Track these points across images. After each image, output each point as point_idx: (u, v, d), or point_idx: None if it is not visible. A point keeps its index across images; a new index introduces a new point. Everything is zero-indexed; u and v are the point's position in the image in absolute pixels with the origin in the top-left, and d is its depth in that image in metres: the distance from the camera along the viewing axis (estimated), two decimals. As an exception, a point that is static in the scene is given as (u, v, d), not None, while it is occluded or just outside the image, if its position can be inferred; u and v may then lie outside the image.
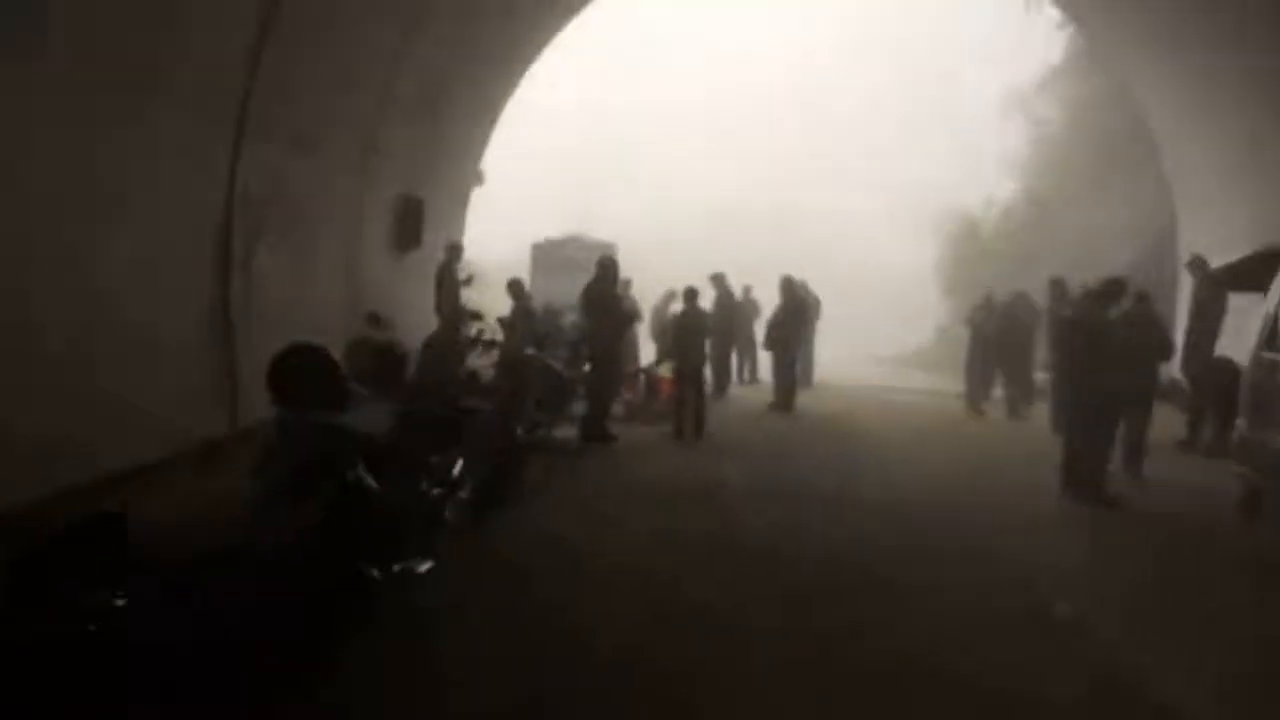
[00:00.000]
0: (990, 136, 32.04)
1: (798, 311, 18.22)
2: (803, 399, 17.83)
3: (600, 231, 27.59)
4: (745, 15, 49.77)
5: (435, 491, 7.31)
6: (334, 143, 12.82)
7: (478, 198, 22.92)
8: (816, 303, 21.28)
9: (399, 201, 15.46)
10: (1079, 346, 11.03)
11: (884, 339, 33.25)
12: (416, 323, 15.00)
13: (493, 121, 19.46)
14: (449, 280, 15.72)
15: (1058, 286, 16.16)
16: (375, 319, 12.00)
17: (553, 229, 27.33)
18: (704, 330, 14.85)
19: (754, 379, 21.11)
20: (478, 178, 23.09)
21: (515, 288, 15.26)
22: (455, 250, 16.11)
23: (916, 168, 39.67)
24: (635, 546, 8.45)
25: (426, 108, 15.31)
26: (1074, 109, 29.44)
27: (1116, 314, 11.40)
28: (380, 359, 7.82)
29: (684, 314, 14.72)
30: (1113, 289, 11.32)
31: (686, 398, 14.37)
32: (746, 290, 21.73)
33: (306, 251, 12.39)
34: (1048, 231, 28.39)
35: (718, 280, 19.46)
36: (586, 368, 13.89)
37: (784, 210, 43.28)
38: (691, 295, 14.99)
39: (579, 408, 13.78)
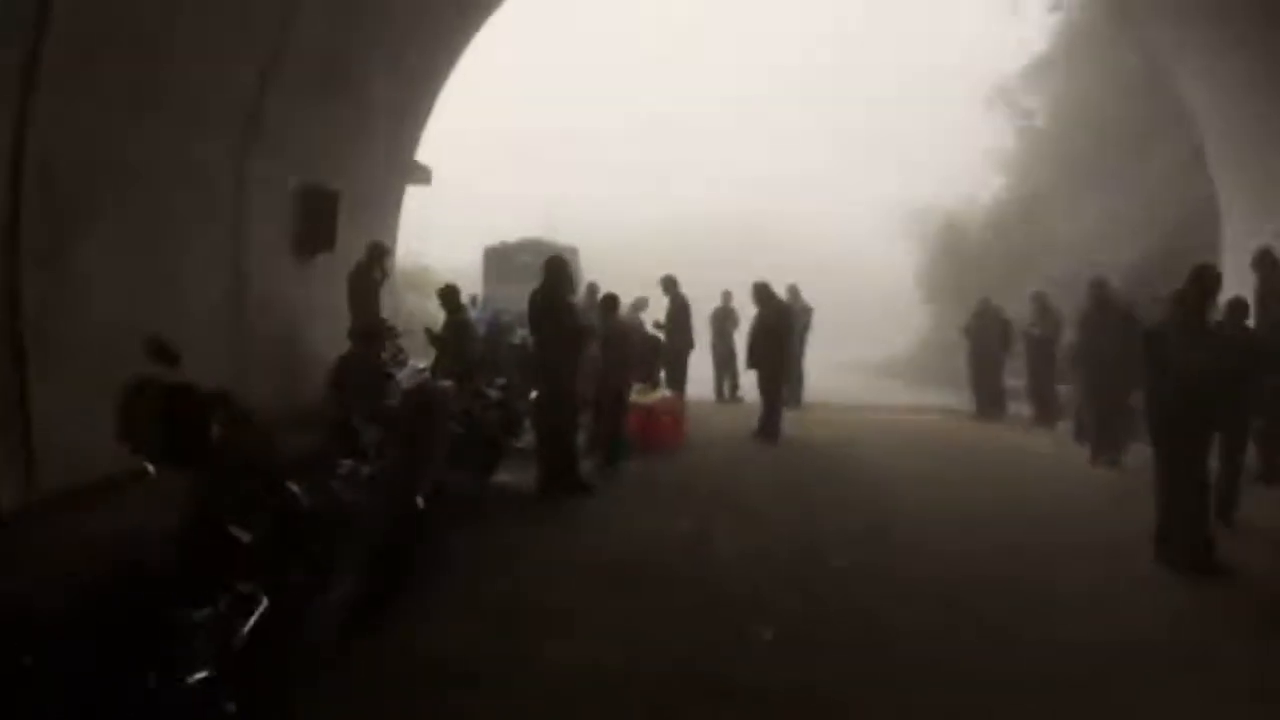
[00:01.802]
0: (973, 131, 29.13)
1: (778, 322, 14.58)
2: (791, 423, 14.79)
3: (565, 235, 24.50)
4: (722, 10, 47.00)
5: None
6: (199, 108, 9.65)
7: (426, 198, 19.86)
8: (806, 312, 18.22)
9: (304, 193, 12.27)
10: (1170, 364, 7.93)
11: (865, 348, 30.31)
12: (327, 344, 11.87)
13: (428, 109, 16.24)
14: (362, 286, 12.47)
15: (1099, 288, 13.09)
16: (160, 349, 7.68)
17: (515, 233, 24.20)
18: (626, 347, 11.89)
19: (735, 396, 18.04)
20: (419, 173, 20.01)
21: (447, 296, 11.92)
22: (377, 251, 12.81)
23: (895, 165, 36.84)
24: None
25: (331, 85, 12.15)
26: (1063, 99, 26.69)
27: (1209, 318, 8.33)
28: (168, 413, 4.58)
29: (606, 328, 11.70)
30: (1209, 280, 8.17)
31: (603, 426, 11.59)
32: (726, 297, 18.62)
33: (162, 249, 9.22)
34: (1039, 231, 25.52)
35: (668, 284, 16.48)
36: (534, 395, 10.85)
37: (758, 214, 40.31)
38: (609, 304, 11.97)
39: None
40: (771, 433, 13.57)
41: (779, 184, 41.49)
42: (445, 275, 27.88)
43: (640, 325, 15.21)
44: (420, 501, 6.56)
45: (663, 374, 15.61)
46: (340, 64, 12.27)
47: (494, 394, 10.39)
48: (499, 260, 21.16)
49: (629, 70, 45.71)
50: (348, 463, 5.71)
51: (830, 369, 22.74)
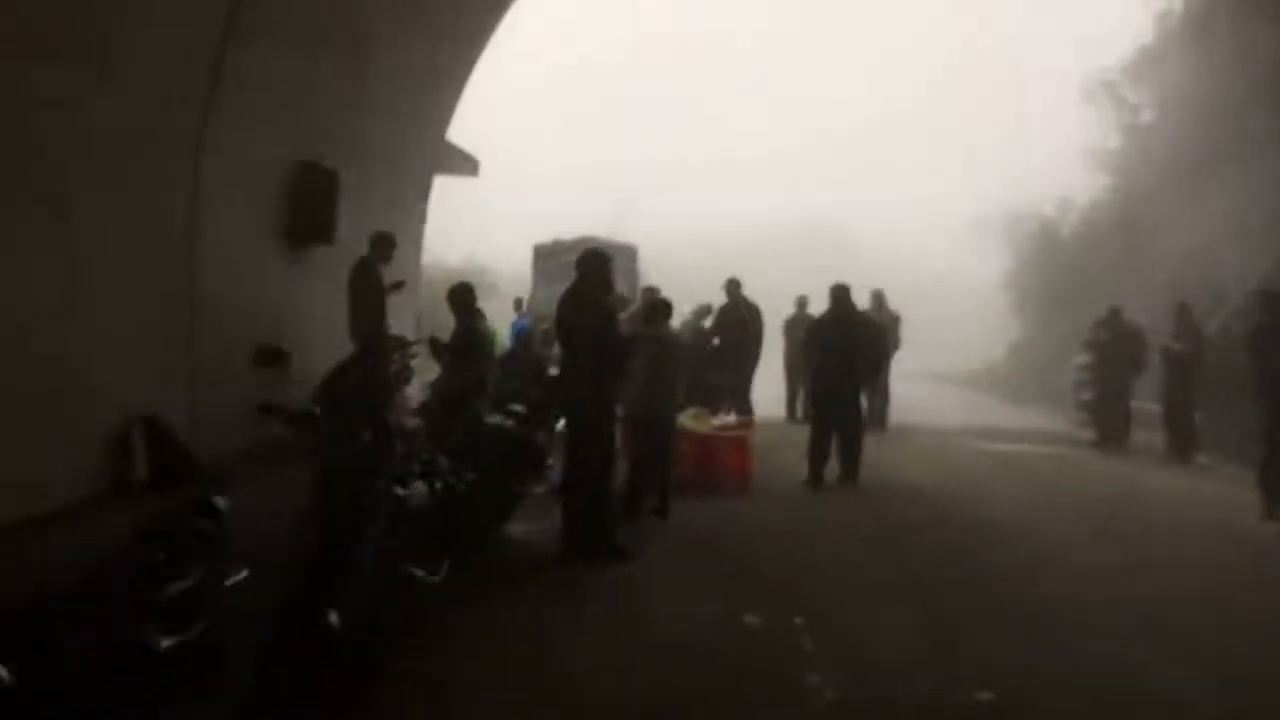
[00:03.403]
0: (1070, 129, 25.91)
1: (853, 331, 10.88)
2: (878, 453, 11.99)
3: (634, 234, 21.85)
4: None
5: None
6: (134, 58, 7.18)
7: (485, 189, 17.49)
8: (895, 322, 15.34)
9: (295, 172, 9.80)
10: None
11: (949, 359, 27.29)
12: (324, 352, 9.42)
13: (461, 81, 13.68)
14: (363, 285, 9.91)
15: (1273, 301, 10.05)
16: (273, 354, 5.78)
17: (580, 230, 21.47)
18: (671, 361, 9.00)
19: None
20: (462, 163, 17.60)
21: (459, 298, 9.23)
22: (382, 243, 10.21)
23: (985, 165, 33.59)
24: None
25: (328, 41, 9.67)
26: (1174, 91, 23.42)
27: None
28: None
29: (645, 338, 8.88)
30: None
31: (643, 464, 8.72)
32: (801, 304, 15.81)
33: (79, 230, 6.76)
34: (1145, 235, 22.34)
35: (732, 287, 13.67)
36: (560, 425, 8.23)
37: (835, 219, 37.24)
38: (657, 311, 9.28)
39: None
40: (850, 469, 10.57)
41: (862, 184, 38.46)
42: (505, 276, 25.53)
43: (704, 336, 12.54)
44: (333, 619, 3.94)
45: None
46: (341, 16, 9.78)
47: (504, 424, 7.75)
48: (548, 259, 18.46)
49: (718, 68, 43.01)
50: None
51: (913, 381, 19.82)
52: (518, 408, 8.22)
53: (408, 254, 12.63)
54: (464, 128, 15.96)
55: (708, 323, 12.98)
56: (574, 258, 18.33)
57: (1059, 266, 24.97)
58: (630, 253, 18.97)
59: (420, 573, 4.65)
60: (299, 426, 4.57)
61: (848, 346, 10.40)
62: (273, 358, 4.85)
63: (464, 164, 18.46)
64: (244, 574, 3.73)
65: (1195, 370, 12.85)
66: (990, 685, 5.02)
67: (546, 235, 19.82)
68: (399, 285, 10.35)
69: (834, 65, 42.40)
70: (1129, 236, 22.75)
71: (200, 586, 3.44)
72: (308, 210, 9.93)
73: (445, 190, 19.64)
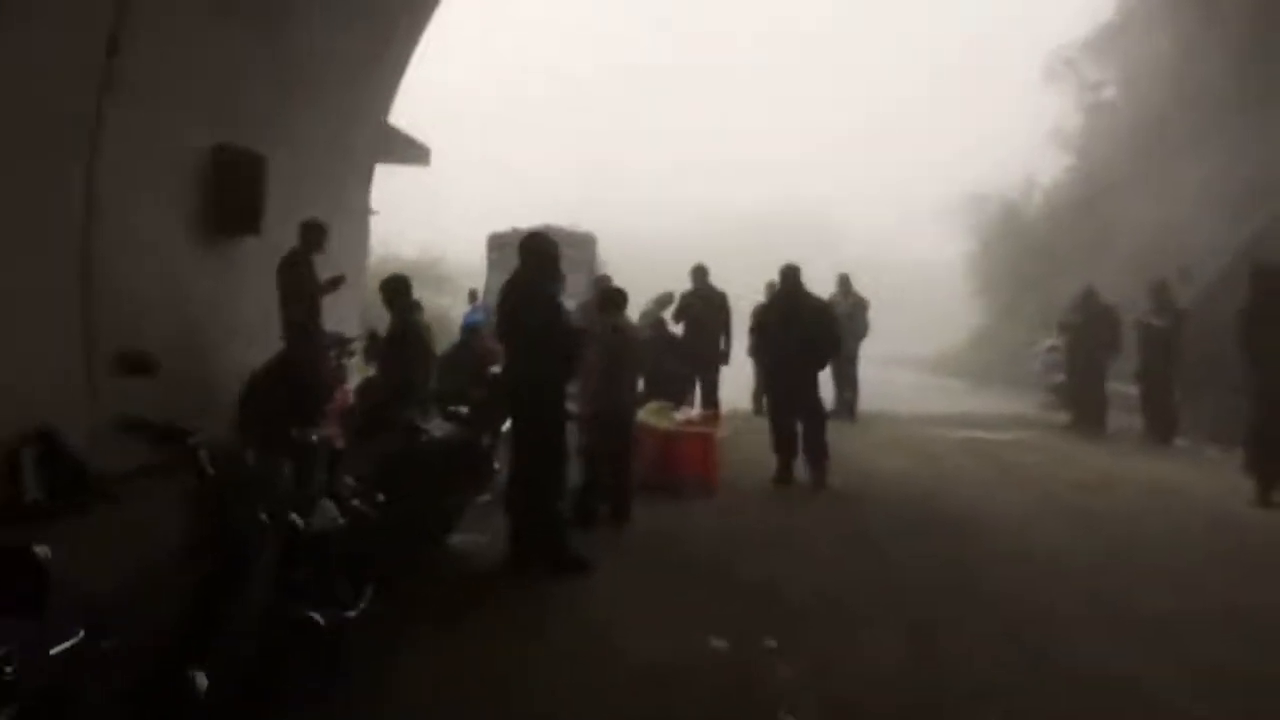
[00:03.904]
0: (1032, 108, 25.29)
1: (803, 313, 9.80)
2: (851, 444, 11.30)
3: (590, 223, 20.98)
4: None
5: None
6: (13, 24, 6.29)
7: (432, 181, 16.60)
8: (863, 307, 14.57)
9: (215, 156, 8.92)
10: None
11: (912, 343, 26.66)
12: (259, 352, 8.57)
13: (401, 63, 12.78)
14: (295, 280, 9.05)
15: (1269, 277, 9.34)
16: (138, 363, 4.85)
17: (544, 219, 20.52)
18: (629, 353, 8.19)
19: None
20: (411, 151, 16.74)
21: (389, 290, 8.40)
22: (313, 232, 9.34)
23: (943, 145, 32.93)
24: None
25: (242, 13, 8.80)
26: (1137, 65, 22.85)
27: None
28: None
29: (599, 330, 8.12)
30: None
31: (599, 464, 7.93)
32: (772, 289, 14.75)
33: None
34: (1107, 212, 21.78)
35: (699, 274, 12.78)
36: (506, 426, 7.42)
37: (806, 208, 36.41)
38: (610, 300, 8.40)
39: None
40: (818, 473, 9.49)
41: (831, 172, 37.73)
42: (463, 268, 24.55)
43: (663, 327, 11.75)
44: (200, 682, 3.15)
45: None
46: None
47: (442, 427, 6.94)
48: (504, 248, 17.56)
49: (673, 54, 42.16)
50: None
51: (881, 367, 19.12)
52: (460, 409, 7.41)
53: (349, 246, 11.77)
54: (428, 115, 15.16)
55: (669, 312, 12.14)
56: (531, 247, 17.62)
57: (1023, 248, 24.41)
58: (588, 241, 18.18)
59: (318, 616, 3.83)
60: (168, 445, 3.76)
61: (800, 329, 9.50)
62: (137, 365, 3.97)
63: (413, 152, 17.59)
64: (79, 636, 2.92)
65: (1175, 349, 12.23)
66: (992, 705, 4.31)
67: (504, 225, 18.97)
68: (336, 281, 9.48)
69: (802, 55, 41.60)
70: (1093, 215, 22.20)
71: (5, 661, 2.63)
72: (231, 198, 9.05)
73: (405, 180, 18.80)
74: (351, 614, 4.55)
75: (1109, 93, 24.06)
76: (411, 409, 6.73)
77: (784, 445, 9.62)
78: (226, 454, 3.79)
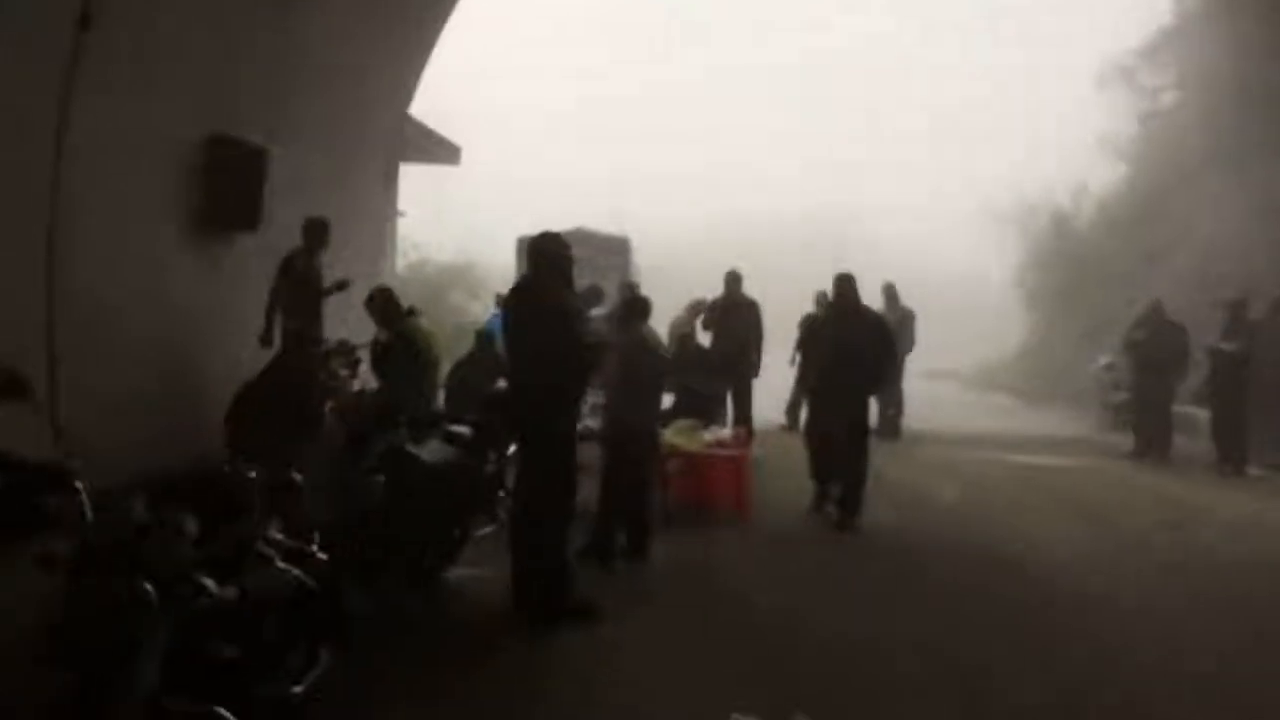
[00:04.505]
0: (1085, 115, 24.06)
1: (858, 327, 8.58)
2: (892, 469, 10.30)
3: (626, 228, 20.06)
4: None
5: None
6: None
7: (471, 183, 15.87)
8: (909, 319, 13.54)
9: (210, 147, 8.11)
10: None
11: (958, 356, 25.47)
12: (248, 360, 7.77)
13: (422, 55, 11.92)
14: (291, 282, 8.21)
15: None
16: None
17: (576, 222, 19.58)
18: (651, 367, 7.21)
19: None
20: (441, 149, 15.96)
21: (381, 304, 7.47)
22: (315, 230, 8.44)
23: (991, 154, 31.64)
24: None
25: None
26: (1194, 73, 21.59)
27: None
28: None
29: (619, 341, 7.21)
30: None
31: (616, 492, 6.91)
32: (821, 300, 13.45)
33: None
34: (1163, 224, 20.54)
35: (732, 280, 11.73)
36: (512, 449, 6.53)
37: (838, 209, 35.30)
38: (632, 309, 7.46)
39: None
40: (850, 507, 8.21)
41: (876, 180, 36.54)
42: (496, 273, 23.71)
43: (692, 338, 10.83)
44: None
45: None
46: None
47: (439, 450, 6.04)
48: (532, 253, 16.74)
49: (718, 54, 41.24)
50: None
51: (926, 381, 18.04)
52: (461, 428, 6.52)
53: (367, 247, 10.96)
54: (462, 114, 14.44)
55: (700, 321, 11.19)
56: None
57: (1074, 260, 23.20)
58: (622, 246, 17.22)
59: (225, 712, 2.95)
60: (44, 488, 2.90)
61: (854, 345, 8.31)
62: (3, 386, 3.09)
63: (444, 151, 16.81)
64: None
65: (1249, 372, 11.12)
66: None
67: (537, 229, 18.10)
68: (341, 285, 8.62)
69: (846, 60, 40.44)
70: (1148, 227, 20.98)
71: None
72: (227, 192, 8.20)
73: (441, 180, 18.01)
74: (298, 689, 3.67)
75: (1166, 99, 22.83)
76: (395, 431, 5.83)
77: (823, 470, 8.54)
78: (111, 504, 2.91)
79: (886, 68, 38.92)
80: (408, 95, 12.10)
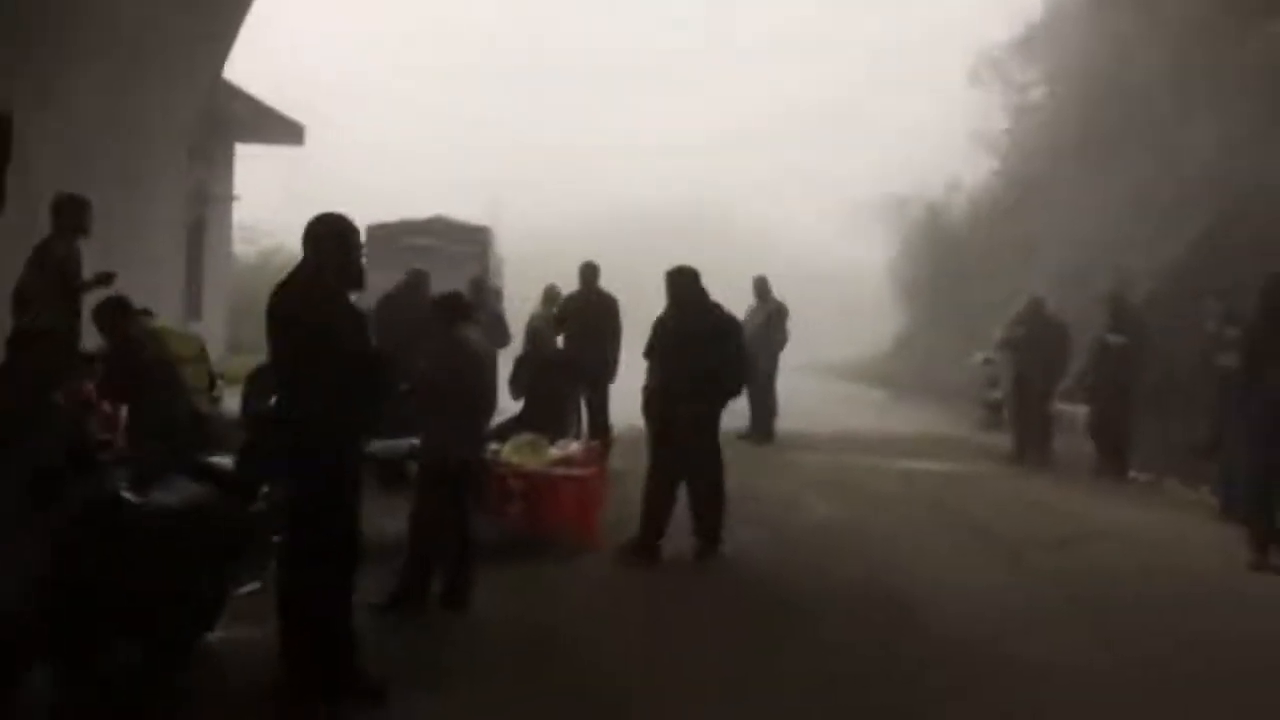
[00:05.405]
0: (956, 111, 23.51)
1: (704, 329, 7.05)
2: (764, 482, 9.18)
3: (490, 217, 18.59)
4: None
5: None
6: None
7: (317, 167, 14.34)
8: (781, 314, 12.43)
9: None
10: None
11: (836, 349, 24.80)
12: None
13: (230, 18, 10.20)
14: (40, 274, 6.59)
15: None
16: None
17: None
18: (475, 375, 5.83)
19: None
20: (280, 128, 14.44)
21: (100, 318, 5.91)
22: (70, 210, 6.82)
23: (871, 148, 31.07)
24: None
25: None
26: (1065, 68, 21.21)
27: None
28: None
29: (434, 349, 5.84)
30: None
31: (427, 529, 5.61)
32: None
33: None
34: (1035, 218, 20.07)
35: (588, 273, 10.30)
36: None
37: (703, 198, 34.40)
38: (448, 309, 5.96)
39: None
40: (707, 540, 6.85)
41: (733, 170, 35.72)
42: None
43: (545, 334, 9.50)
44: None
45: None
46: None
47: (164, 498, 4.58)
48: (385, 242, 15.10)
49: (609, 49, 39.98)
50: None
51: (800, 376, 17.09)
52: (222, 460, 5.06)
53: (160, 238, 9.30)
54: (311, 96, 12.85)
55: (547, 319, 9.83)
56: (412, 240, 15.01)
57: (947, 253, 22.71)
58: (481, 235, 15.79)
59: None
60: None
61: (696, 355, 6.77)
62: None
63: (284, 131, 15.18)
64: None
65: (1135, 368, 10.33)
66: None
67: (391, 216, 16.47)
68: (105, 278, 6.98)
69: (721, 50, 39.65)
70: (1018, 221, 20.51)
71: None
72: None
73: (282, 164, 16.34)
74: None
75: (1036, 94, 22.45)
76: (103, 472, 4.35)
77: (657, 503, 6.80)
78: None
79: (767, 59, 38.22)
80: (213, 66, 10.39)
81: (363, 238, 4.78)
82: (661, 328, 7.15)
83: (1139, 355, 10.29)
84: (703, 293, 7.02)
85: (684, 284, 6.97)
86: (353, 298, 4.87)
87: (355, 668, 4.47)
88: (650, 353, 7.19)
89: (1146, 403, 10.60)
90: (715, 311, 7.13)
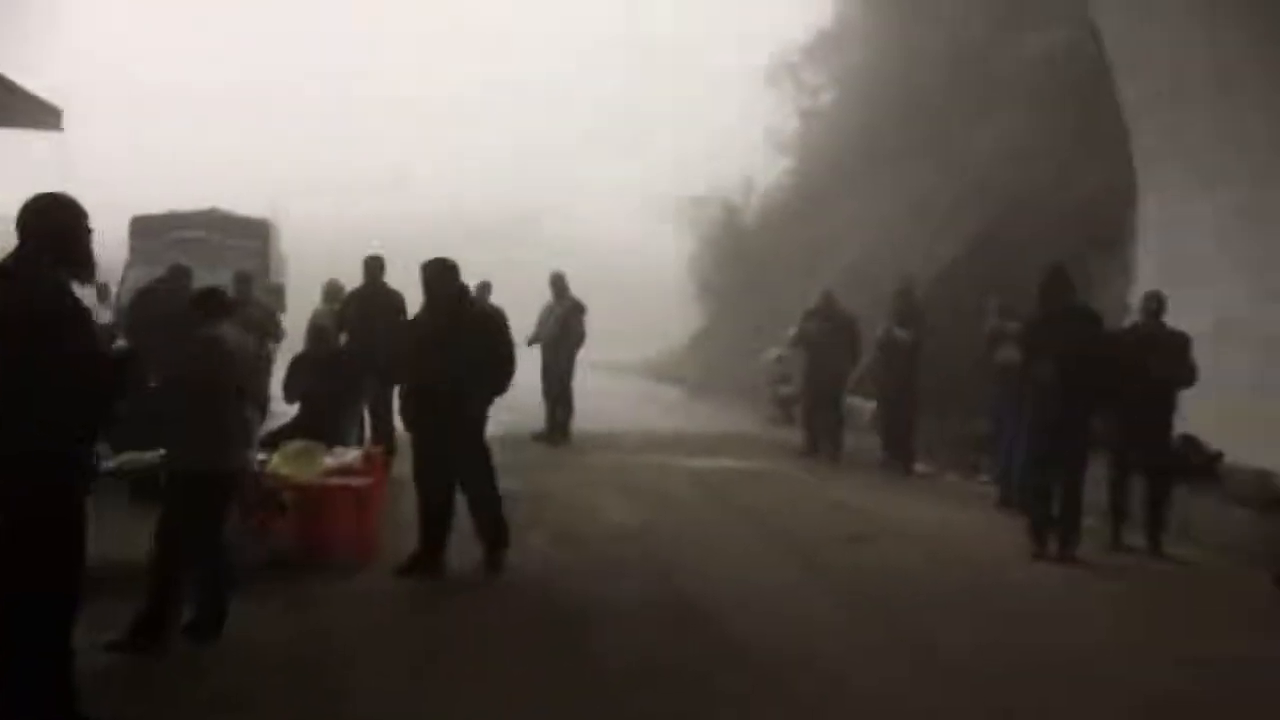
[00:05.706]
0: (754, 111, 23.87)
1: (465, 321, 6.48)
2: (556, 481, 8.86)
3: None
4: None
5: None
6: None
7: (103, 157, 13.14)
8: (578, 312, 11.97)
9: None
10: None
11: (634, 347, 24.71)
12: None
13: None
14: None
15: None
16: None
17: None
18: (230, 380, 5.16)
19: None
20: (36, 112, 13.00)
21: None
22: None
23: (674, 147, 31.14)
24: None
25: None
26: (852, 74, 21.86)
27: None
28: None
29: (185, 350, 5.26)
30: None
31: (179, 550, 4.93)
32: (483, 289, 10.70)
33: None
34: (823, 218, 20.56)
35: (371, 266, 9.54)
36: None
37: (511, 201, 33.85)
38: (204, 304, 5.35)
39: None
40: (494, 540, 6.39)
41: (543, 168, 35.27)
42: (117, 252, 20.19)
43: (329, 331, 8.82)
44: None
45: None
46: None
47: None
48: (154, 235, 13.87)
49: (367, 44, 38.59)
50: None
51: (597, 374, 16.76)
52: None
53: None
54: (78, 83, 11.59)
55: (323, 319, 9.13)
56: (182, 233, 13.78)
57: (742, 251, 22.97)
58: (260, 229, 14.70)
59: None
60: None
61: (457, 346, 6.21)
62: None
63: (39, 114, 13.67)
64: None
65: (918, 362, 10.58)
66: None
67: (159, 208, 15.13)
68: None
69: (526, 47, 39.07)
70: (809, 221, 20.97)
71: None
72: None
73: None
74: None
75: (825, 98, 23.06)
76: None
77: (432, 519, 6.30)
78: None
79: (572, 59, 37.88)
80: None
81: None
82: (416, 326, 6.62)
83: (923, 351, 10.53)
84: (461, 287, 6.48)
85: (438, 277, 6.35)
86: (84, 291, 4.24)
87: (76, 713, 3.83)
88: (406, 352, 6.64)
89: (928, 397, 10.90)
90: (474, 305, 6.65)
